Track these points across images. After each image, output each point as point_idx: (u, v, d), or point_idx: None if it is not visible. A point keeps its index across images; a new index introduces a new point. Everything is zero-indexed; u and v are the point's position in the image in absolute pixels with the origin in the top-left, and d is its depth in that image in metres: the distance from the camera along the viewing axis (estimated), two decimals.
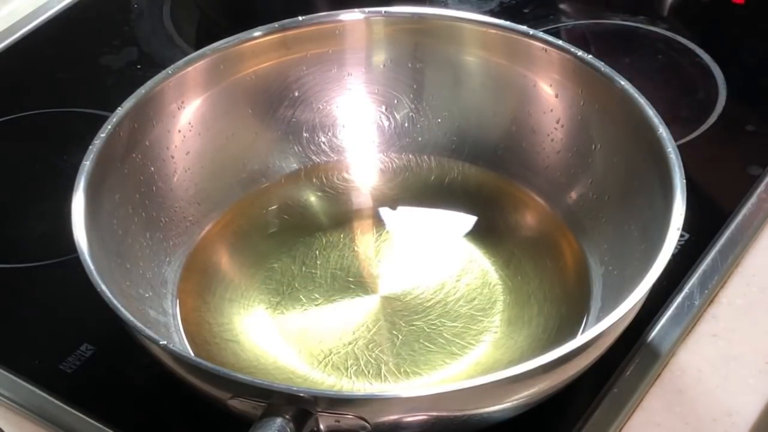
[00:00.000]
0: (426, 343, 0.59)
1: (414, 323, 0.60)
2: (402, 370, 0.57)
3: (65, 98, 0.78)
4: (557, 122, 0.65)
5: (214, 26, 0.85)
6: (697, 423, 0.57)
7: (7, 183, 0.73)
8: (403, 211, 0.67)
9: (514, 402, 0.52)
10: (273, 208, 0.67)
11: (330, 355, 0.58)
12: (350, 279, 0.62)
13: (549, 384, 0.51)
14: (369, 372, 0.57)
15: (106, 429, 0.57)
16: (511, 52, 0.66)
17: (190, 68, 0.64)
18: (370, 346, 0.59)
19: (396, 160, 0.69)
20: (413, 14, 0.67)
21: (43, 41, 0.85)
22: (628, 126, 0.60)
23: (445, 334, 0.59)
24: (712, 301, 0.62)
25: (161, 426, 0.58)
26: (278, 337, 0.60)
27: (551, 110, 0.65)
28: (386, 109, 0.69)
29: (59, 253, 0.65)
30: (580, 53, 0.63)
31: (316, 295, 0.62)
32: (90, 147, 0.58)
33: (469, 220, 0.66)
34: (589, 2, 0.84)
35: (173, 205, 0.64)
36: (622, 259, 0.59)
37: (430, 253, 0.64)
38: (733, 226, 0.66)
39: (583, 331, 0.58)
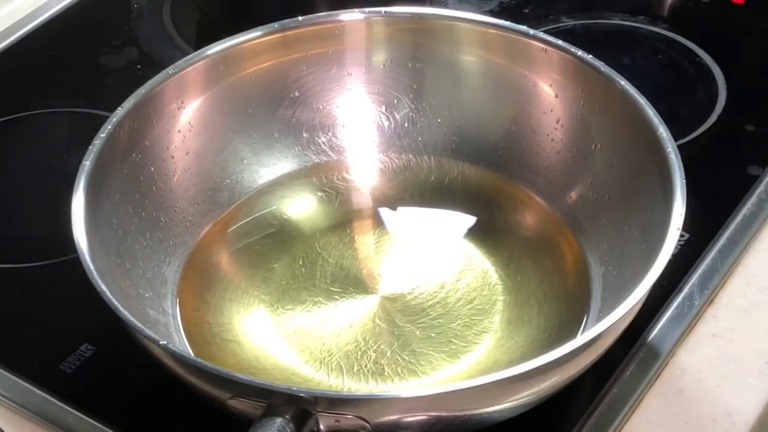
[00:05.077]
0: (426, 343, 0.59)
1: (414, 323, 0.60)
2: (402, 370, 0.57)
3: (65, 98, 0.78)
4: (557, 122, 0.65)
5: (214, 26, 0.85)
6: (697, 423, 0.57)
7: (7, 183, 0.73)
8: (403, 211, 0.67)
9: (514, 402, 0.52)
10: (273, 208, 0.67)
11: (330, 355, 0.58)
12: (350, 279, 0.62)
13: (549, 384, 0.51)
14: (369, 372, 0.57)
15: (106, 429, 0.57)
16: (511, 52, 0.66)
17: (190, 68, 0.64)
18: (369, 346, 0.59)
19: (396, 160, 0.69)
20: (413, 14, 0.67)
21: (43, 41, 0.85)
22: (628, 126, 0.60)
23: (445, 334, 0.59)
24: (712, 301, 0.62)
25: (161, 426, 0.58)
26: (278, 337, 0.60)
27: (551, 110, 0.65)
28: (386, 109, 0.69)
29: (59, 253, 0.65)
30: (580, 53, 0.63)
31: (316, 295, 0.62)
32: (90, 147, 0.58)
33: (469, 220, 0.66)
34: (589, 2, 0.84)
35: (173, 205, 0.64)
36: (622, 259, 0.59)
37: (430, 253, 0.64)
38: (733, 226, 0.66)
39: (583, 331, 0.58)
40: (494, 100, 0.67)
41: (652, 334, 0.60)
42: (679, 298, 0.62)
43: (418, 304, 0.61)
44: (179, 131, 0.65)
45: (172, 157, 0.65)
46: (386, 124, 0.69)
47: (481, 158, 0.67)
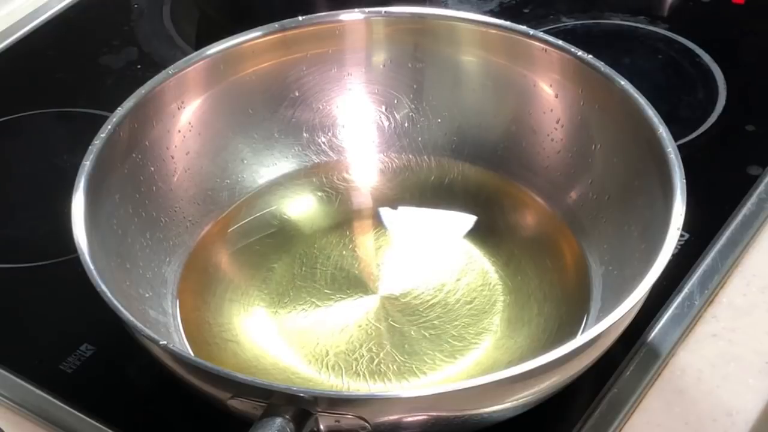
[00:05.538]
0: (426, 343, 0.59)
1: (414, 323, 0.60)
2: (402, 370, 0.57)
3: (65, 98, 0.78)
4: (557, 122, 0.65)
5: (214, 26, 0.85)
6: (697, 423, 0.57)
7: (7, 183, 0.73)
8: (403, 211, 0.67)
9: (514, 402, 0.52)
10: (273, 208, 0.67)
11: (330, 355, 0.58)
12: (350, 279, 0.62)
13: (549, 384, 0.51)
14: (369, 372, 0.57)
15: (106, 429, 0.57)
16: (511, 52, 0.66)
17: (190, 68, 0.64)
18: (369, 346, 0.59)
19: (396, 160, 0.69)
20: (413, 14, 0.67)
21: (43, 41, 0.85)
22: (628, 126, 0.60)
23: (444, 334, 0.59)
24: (712, 301, 0.62)
25: (161, 426, 0.58)
26: (278, 337, 0.60)
27: (551, 110, 0.65)
28: (386, 109, 0.69)
29: (59, 253, 0.65)
30: (580, 53, 0.63)
31: (316, 295, 0.62)
32: (90, 147, 0.58)
33: (469, 220, 0.66)
34: (589, 2, 0.84)
35: (173, 205, 0.64)
36: (622, 259, 0.59)
37: (430, 253, 0.64)
38: (733, 226, 0.66)
39: (583, 332, 0.58)
40: (494, 100, 0.67)
41: (652, 334, 0.60)
42: (679, 298, 0.62)
43: (418, 304, 0.61)
44: (179, 131, 0.65)
45: (172, 157, 0.65)
46: (386, 124, 0.69)
47: (481, 158, 0.67)
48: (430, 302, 0.61)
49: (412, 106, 0.69)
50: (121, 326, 0.52)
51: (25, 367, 0.60)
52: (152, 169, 0.63)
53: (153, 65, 0.80)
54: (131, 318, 0.51)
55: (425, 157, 0.69)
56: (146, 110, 0.62)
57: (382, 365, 0.58)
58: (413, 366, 0.58)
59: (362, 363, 0.58)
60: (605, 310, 0.57)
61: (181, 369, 0.51)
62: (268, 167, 0.68)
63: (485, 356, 0.58)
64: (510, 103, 0.67)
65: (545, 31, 0.65)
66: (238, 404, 0.49)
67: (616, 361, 0.58)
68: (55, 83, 0.81)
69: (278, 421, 0.47)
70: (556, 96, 0.65)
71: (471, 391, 0.48)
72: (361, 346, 0.59)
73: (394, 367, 0.58)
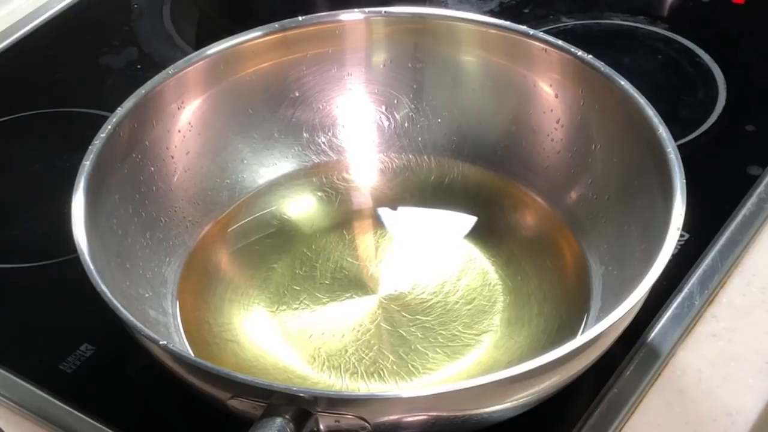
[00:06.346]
0: (426, 343, 0.59)
1: (414, 323, 0.60)
2: (402, 370, 0.57)
3: (65, 98, 0.78)
4: (557, 122, 0.65)
5: (214, 26, 0.85)
6: (697, 423, 0.57)
7: (7, 183, 0.73)
8: (403, 211, 0.67)
9: (514, 402, 0.52)
10: (273, 208, 0.67)
11: (330, 355, 0.58)
12: (350, 279, 0.62)
13: (549, 384, 0.51)
14: (369, 372, 0.57)
15: (106, 429, 0.57)
16: (511, 52, 0.66)
17: (190, 68, 0.64)
18: (370, 346, 0.59)
19: (396, 160, 0.69)
20: (413, 14, 0.67)
21: (43, 41, 0.85)
22: (628, 126, 0.60)
23: (445, 334, 0.59)
24: (712, 301, 0.62)
25: (161, 426, 0.59)
26: (278, 337, 0.60)
27: (551, 110, 0.65)
28: (386, 109, 0.69)
29: (59, 253, 0.65)
30: (580, 53, 0.63)
31: (316, 296, 0.62)
32: (90, 147, 0.58)
33: (469, 220, 0.66)
34: (589, 2, 0.84)
35: (173, 205, 0.64)
36: (622, 259, 0.59)
37: (430, 253, 0.64)
38: (733, 226, 0.66)
39: (583, 331, 0.58)
40: (494, 100, 0.67)
41: (652, 334, 0.60)
42: (679, 298, 0.62)
43: (418, 304, 0.61)
44: (179, 131, 0.65)
45: (172, 157, 0.65)
46: (386, 124, 0.69)
47: (481, 158, 0.67)
48: (430, 302, 0.61)
49: (412, 106, 0.69)
50: (121, 326, 0.52)
51: (25, 367, 0.60)
52: (152, 169, 0.63)
53: (153, 65, 0.80)
54: (131, 318, 0.51)
55: (425, 157, 0.69)
56: (146, 110, 0.62)
57: (381, 365, 0.58)
58: (413, 366, 0.58)
59: (362, 363, 0.58)
60: (605, 310, 0.57)
61: (181, 369, 0.51)
62: (268, 167, 0.68)
63: (485, 356, 0.58)
64: (510, 103, 0.67)
65: (545, 31, 0.65)
66: (238, 404, 0.49)
67: (616, 361, 0.58)
68: (55, 83, 0.81)
69: (278, 421, 0.47)
70: (556, 96, 0.65)
71: (471, 391, 0.48)
72: (360, 346, 0.59)
73: (394, 367, 0.58)
